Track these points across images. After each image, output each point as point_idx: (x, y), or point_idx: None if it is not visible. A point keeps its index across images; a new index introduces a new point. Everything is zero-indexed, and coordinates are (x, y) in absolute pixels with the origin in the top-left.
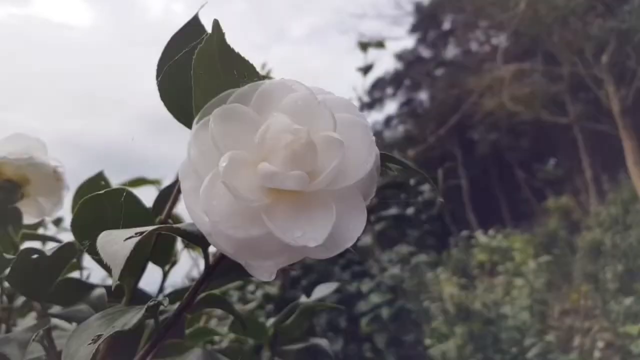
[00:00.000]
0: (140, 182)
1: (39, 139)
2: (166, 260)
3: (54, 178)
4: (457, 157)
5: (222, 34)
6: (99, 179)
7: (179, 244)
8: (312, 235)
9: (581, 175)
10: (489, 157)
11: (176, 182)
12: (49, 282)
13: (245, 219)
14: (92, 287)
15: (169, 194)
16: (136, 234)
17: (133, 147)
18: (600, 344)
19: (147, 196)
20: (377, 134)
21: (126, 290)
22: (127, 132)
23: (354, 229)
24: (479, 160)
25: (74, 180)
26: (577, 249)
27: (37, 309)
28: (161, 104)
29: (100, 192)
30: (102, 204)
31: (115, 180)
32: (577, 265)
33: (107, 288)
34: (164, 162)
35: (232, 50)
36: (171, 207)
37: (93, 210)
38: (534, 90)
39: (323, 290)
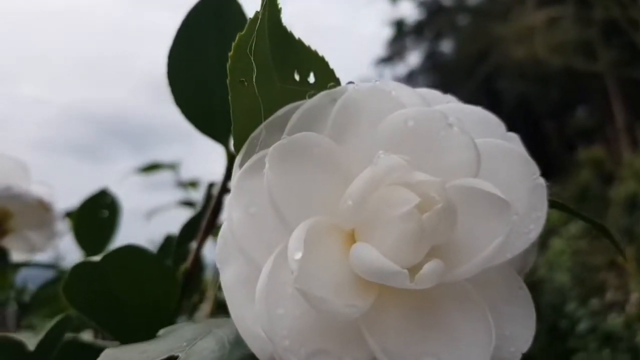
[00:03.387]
0: (154, 167)
1: (17, 161)
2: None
3: (42, 208)
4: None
5: (278, 12)
6: (102, 198)
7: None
8: None
9: (613, 124)
10: (517, 109)
11: (203, 211)
12: None
13: (335, 338)
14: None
15: (195, 228)
16: None
17: (143, 116)
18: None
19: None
20: None
21: None
22: (137, 100)
23: (521, 338)
24: (506, 112)
25: (85, 156)
26: (610, 201)
27: None
28: None
29: (97, 260)
30: (102, 273)
31: (127, 156)
32: (611, 219)
33: None
34: (176, 131)
35: (292, 36)
36: (199, 249)
37: (90, 282)
38: (565, 37)
39: None
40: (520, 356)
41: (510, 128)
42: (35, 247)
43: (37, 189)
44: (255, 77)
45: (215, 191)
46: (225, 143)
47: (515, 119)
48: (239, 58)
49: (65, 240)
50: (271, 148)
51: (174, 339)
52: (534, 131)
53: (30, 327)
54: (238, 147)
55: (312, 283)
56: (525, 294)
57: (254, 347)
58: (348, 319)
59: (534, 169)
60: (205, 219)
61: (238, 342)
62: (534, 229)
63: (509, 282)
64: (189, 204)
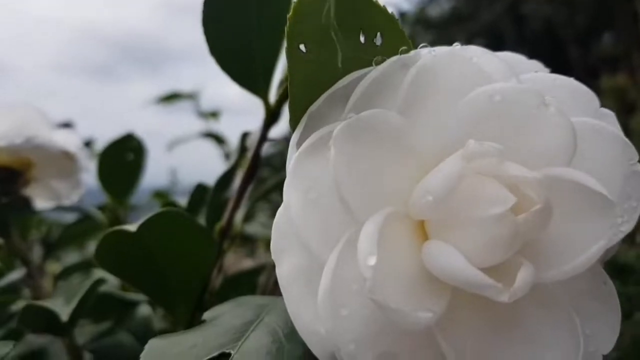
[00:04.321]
0: (174, 97)
1: (38, 110)
2: None
3: (65, 158)
4: (505, 35)
5: None
6: (128, 141)
7: None
8: None
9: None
10: (542, 34)
11: (236, 165)
12: None
13: (404, 342)
14: (135, 304)
15: (229, 181)
16: None
17: (158, 37)
18: None
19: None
20: (421, 11)
21: (180, 317)
22: (152, 20)
23: (603, 337)
24: (531, 37)
25: (100, 77)
26: (632, 132)
27: (65, 342)
28: None
29: (132, 229)
30: (139, 241)
31: (142, 76)
32: None
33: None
34: (191, 52)
35: None
36: (234, 209)
37: (126, 250)
38: None
39: None
40: (601, 357)
41: (535, 53)
42: (60, 196)
43: (60, 137)
44: (317, 41)
45: (251, 143)
46: (263, 96)
47: (540, 44)
48: (299, 20)
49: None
50: (336, 129)
51: (222, 330)
52: (559, 57)
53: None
54: (295, 122)
55: (387, 292)
56: (609, 289)
57: (314, 346)
58: (422, 327)
59: (631, 153)
60: (240, 181)
61: (293, 336)
62: (627, 221)
63: (594, 276)
64: (211, 135)
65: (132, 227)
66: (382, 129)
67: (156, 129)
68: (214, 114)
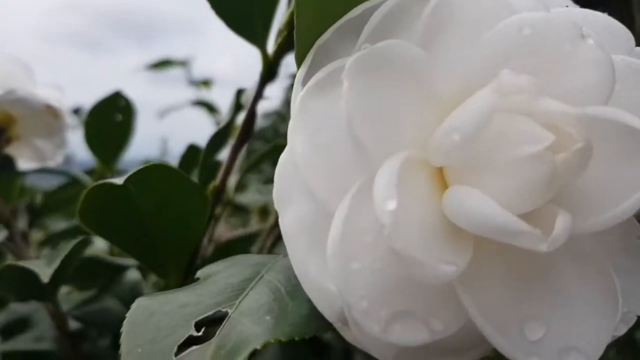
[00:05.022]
0: (165, 64)
1: (21, 62)
2: None
3: (49, 114)
4: None
5: None
6: (116, 101)
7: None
8: (571, 341)
9: (633, 30)
10: None
11: (230, 123)
12: None
13: (421, 298)
14: (123, 269)
15: (223, 140)
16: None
17: (146, 7)
18: None
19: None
20: None
21: (170, 281)
22: None
23: (637, 296)
24: None
25: (88, 47)
26: None
27: (50, 309)
28: None
29: (119, 182)
30: (126, 195)
31: (130, 48)
32: None
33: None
34: (180, 23)
35: None
36: (229, 168)
37: (112, 205)
38: None
39: None
40: (634, 319)
41: None
42: (44, 155)
43: (44, 92)
44: None
45: (246, 100)
46: (261, 45)
47: None
48: None
49: (74, 142)
50: (349, 61)
51: (218, 288)
52: None
53: (42, 228)
54: (301, 57)
55: (407, 240)
56: None
57: (320, 304)
58: (445, 280)
59: None
60: (235, 140)
61: (297, 293)
62: None
63: (627, 230)
64: (203, 104)
65: (118, 181)
66: (401, 61)
67: (147, 100)
68: (205, 83)
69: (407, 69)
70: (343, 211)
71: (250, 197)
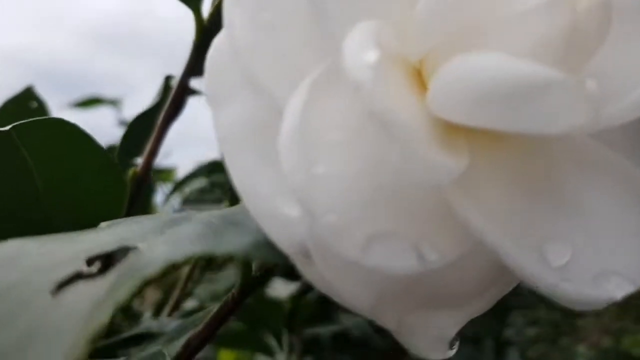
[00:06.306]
0: (94, 102)
1: None
2: None
3: None
4: None
5: None
6: (27, 97)
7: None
8: (607, 264)
9: None
10: None
11: (156, 108)
12: None
13: (406, 215)
14: None
15: (146, 127)
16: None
17: (80, 67)
18: None
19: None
20: None
21: None
22: (74, 48)
23: None
24: None
25: None
26: None
27: None
28: (108, 20)
29: (4, 128)
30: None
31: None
32: None
33: None
34: (113, 85)
35: None
36: (152, 153)
37: None
38: None
39: None
40: None
41: None
42: None
43: None
44: None
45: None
46: (195, 6)
47: None
48: None
49: None
50: None
51: (124, 229)
52: None
53: None
54: None
55: (393, 104)
56: None
57: (275, 231)
58: (442, 177)
59: None
60: (162, 116)
61: (240, 223)
62: None
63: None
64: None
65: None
66: None
67: None
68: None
69: None
70: (299, 102)
71: None
